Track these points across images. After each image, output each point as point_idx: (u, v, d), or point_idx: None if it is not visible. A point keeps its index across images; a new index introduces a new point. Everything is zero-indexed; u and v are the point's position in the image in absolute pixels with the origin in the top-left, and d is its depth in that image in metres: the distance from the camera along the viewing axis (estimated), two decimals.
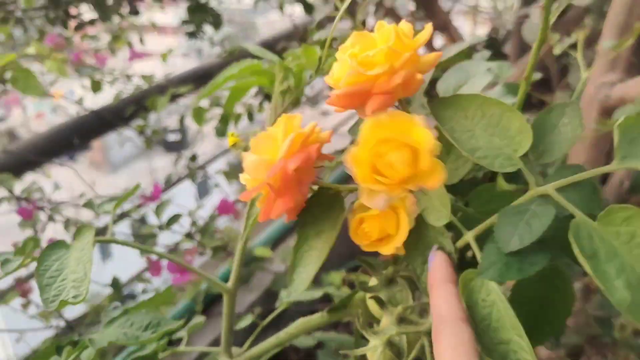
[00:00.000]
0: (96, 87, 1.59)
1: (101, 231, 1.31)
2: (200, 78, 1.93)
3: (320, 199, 0.39)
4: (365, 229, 0.37)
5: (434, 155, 0.32)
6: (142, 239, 1.07)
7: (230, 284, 0.53)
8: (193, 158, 1.64)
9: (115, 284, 1.15)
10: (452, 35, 1.26)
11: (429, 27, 0.37)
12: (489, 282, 0.31)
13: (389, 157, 0.33)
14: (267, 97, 1.73)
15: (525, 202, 0.33)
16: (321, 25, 1.33)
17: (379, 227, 0.36)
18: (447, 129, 0.36)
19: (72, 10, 1.59)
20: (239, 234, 1.28)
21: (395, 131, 0.33)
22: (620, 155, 0.31)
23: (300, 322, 0.49)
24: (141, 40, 2.08)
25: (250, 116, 1.63)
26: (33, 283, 1.28)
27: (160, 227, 1.06)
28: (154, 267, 1.13)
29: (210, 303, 1.30)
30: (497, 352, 0.29)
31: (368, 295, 0.41)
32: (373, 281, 0.42)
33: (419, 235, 0.36)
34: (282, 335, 0.50)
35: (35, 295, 1.21)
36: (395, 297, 0.39)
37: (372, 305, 0.42)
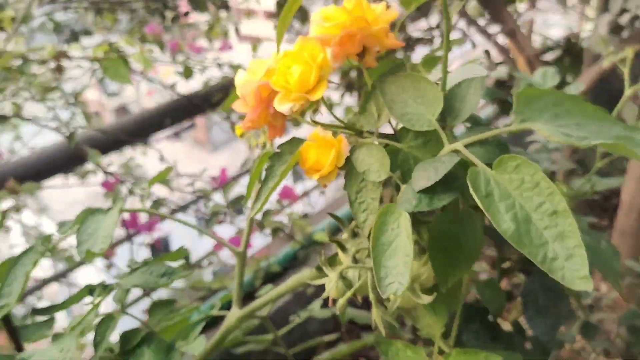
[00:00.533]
0: (188, 73, 1.72)
1: (182, 208, 1.44)
2: None
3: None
4: (305, 157, 0.46)
5: (322, 72, 0.44)
6: (210, 216, 1.18)
7: (240, 248, 0.65)
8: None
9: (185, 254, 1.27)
10: (520, 42, 1.27)
11: (383, 4, 0.47)
12: (400, 217, 0.40)
13: (291, 69, 0.44)
14: (349, 88, 1.80)
15: (440, 156, 0.41)
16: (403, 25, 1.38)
17: (315, 157, 0.45)
18: (387, 100, 0.46)
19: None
20: (300, 219, 1.37)
21: (304, 54, 0.45)
22: (519, 119, 0.39)
23: (296, 278, 0.59)
24: (237, 30, 2.21)
25: (330, 107, 1.71)
26: (117, 248, 1.44)
27: (227, 206, 1.17)
28: (218, 242, 1.24)
29: (270, 279, 1.40)
30: (383, 270, 0.39)
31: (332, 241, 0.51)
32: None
33: (355, 172, 0.46)
34: (282, 288, 0.60)
35: (117, 259, 1.37)
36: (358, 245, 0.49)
37: (340, 253, 0.50)
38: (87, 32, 1.53)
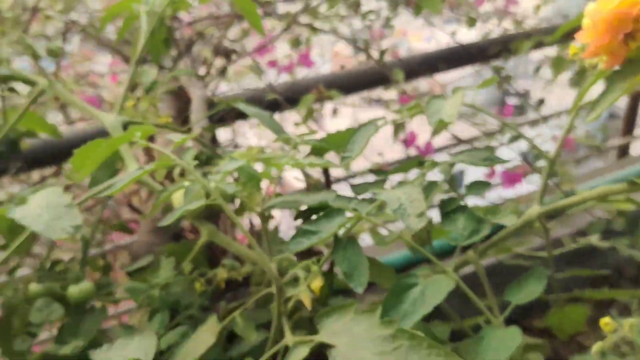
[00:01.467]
0: (472, 22, 1.81)
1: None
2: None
3: None
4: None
5: None
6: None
7: (552, 154, 0.72)
8: (540, 102, 1.76)
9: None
10: None
11: None
12: None
13: None
14: None
15: None
16: None
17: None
18: None
19: None
20: (570, 175, 1.38)
21: None
22: None
23: (598, 189, 0.63)
24: None
25: None
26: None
27: (502, 144, 1.25)
28: (490, 171, 1.34)
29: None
30: None
31: None
32: None
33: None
34: (577, 197, 0.65)
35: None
36: None
37: None
38: None
